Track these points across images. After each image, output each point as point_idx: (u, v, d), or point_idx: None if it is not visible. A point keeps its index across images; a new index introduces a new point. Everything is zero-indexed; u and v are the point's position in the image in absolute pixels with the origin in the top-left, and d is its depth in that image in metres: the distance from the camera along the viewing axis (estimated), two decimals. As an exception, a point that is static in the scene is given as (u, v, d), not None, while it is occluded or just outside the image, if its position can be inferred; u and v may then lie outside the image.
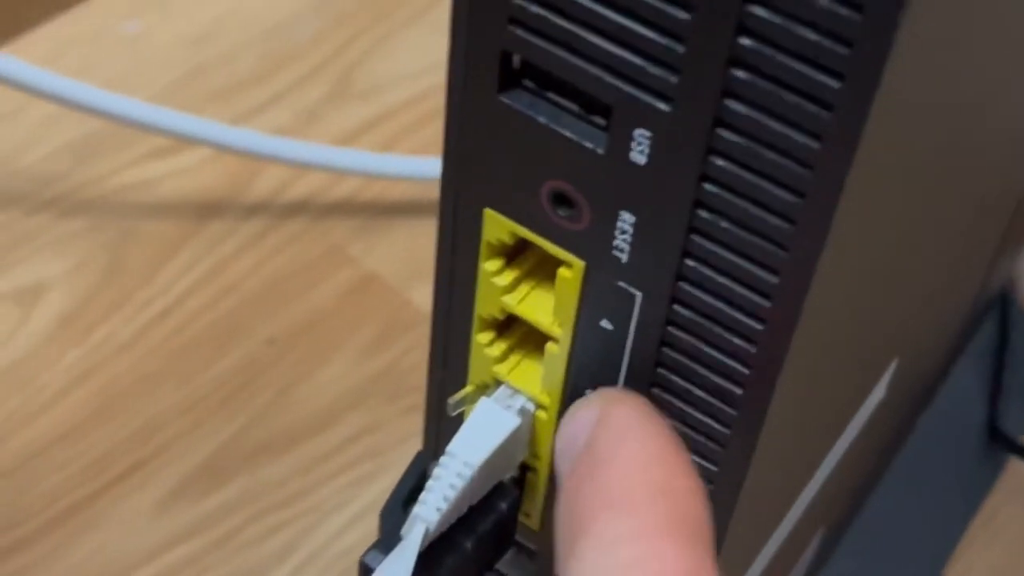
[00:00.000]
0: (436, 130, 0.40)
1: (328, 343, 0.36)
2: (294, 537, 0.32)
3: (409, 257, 0.37)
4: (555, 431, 0.20)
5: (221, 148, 0.36)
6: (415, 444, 0.36)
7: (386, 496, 0.33)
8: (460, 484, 0.19)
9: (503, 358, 0.20)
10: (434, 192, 0.41)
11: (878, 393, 0.24)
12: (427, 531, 0.19)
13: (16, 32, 0.40)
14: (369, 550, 0.20)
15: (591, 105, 0.16)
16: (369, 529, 0.32)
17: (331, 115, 0.40)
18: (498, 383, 0.20)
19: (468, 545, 0.20)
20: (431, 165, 0.37)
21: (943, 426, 0.32)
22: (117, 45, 0.41)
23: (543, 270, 0.19)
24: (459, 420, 0.20)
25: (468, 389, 0.20)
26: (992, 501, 0.33)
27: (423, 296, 0.37)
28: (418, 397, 0.35)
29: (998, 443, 0.33)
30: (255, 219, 0.37)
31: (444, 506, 0.19)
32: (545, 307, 0.19)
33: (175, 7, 0.42)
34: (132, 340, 0.35)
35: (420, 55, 0.42)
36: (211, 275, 0.36)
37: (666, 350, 0.18)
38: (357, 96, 0.40)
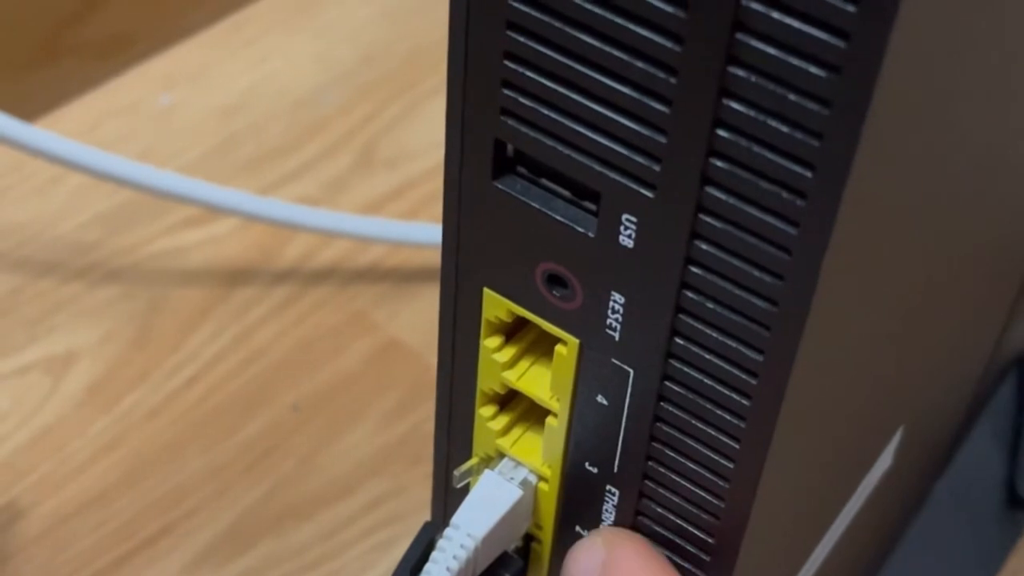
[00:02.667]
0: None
1: (351, 409, 0.36)
2: (316, 602, 0.32)
3: (432, 323, 0.38)
4: (557, 505, 0.20)
5: (250, 218, 0.37)
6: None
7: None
8: (464, 555, 0.20)
9: (505, 431, 0.20)
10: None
11: (884, 461, 0.25)
12: (432, 602, 0.19)
13: (55, 104, 0.42)
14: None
15: (581, 191, 0.17)
16: (389, 594, 0.32)
17: (357, 184, 0.41)
18: (501, 455, 0.20)
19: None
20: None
21: (960, 491, 0.32)
22: (151, 117, 0.42)
23: (542, 346, 0.19)
24: (465, 491, 0.21)
25: (473, 461, 0.21)
26: (1011, 566, 0.33)
27: (445, 362, 0.37)
28: (440, 462, 0.36)
29: (1017, 508, 0.33)
30: (282, 287, 0.38)
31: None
32: (544, 382, 0.19)
33: (207, 80, 0.43)
34: (159, 407, 0.36)
35: (443, 126, 0.43)
36: (238, 342, 0.37)
37: (659, 424, 0.18)
38: (382, 165, 0.41)
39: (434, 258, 0.39)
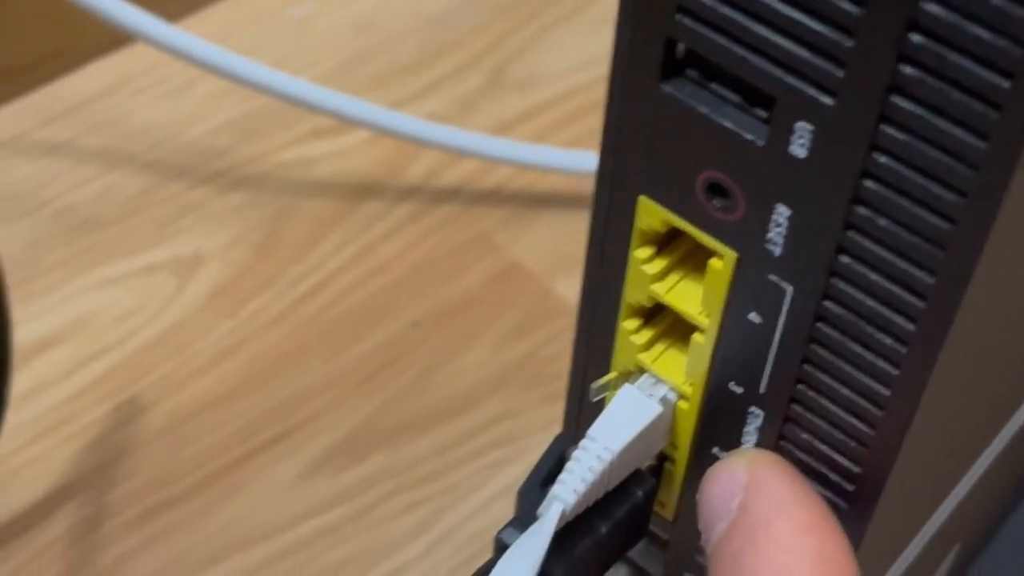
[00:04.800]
0: (588, 124, 0.41)
1: (470, 329, 0.36)
2: (429, 515, 0.32)
3: (554, 248, 0.38)
4: (696, 424, 0.20)
5: (380, 131, 0.37)
6: (551, 432, 0.36)
7: (520, 481, 0.34)
8: (599, 468, 0.19)
9: (648, 346, 0.20)
10: (583, 185, 0.41)
11: (1027, 410, 0.24)
12: (564, 512, 0.19)
13: (189, 10, 0.42)
14: (506, 527, 0.21)
15: (753, 96, 0.16)
16: (503, 512, 0.32)
17: (486, 105, 0.40)
18: (641, 371, 0.20)
19: (603, 529, 0.20)
20: (582, 158, 0.37)
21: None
22: (283, 28, 0.42)
23: (694, 260, 0.19)
24: (600, 406, 0.20)
25: (611, 375, 0.20)
26: None
27: (566, 287, 0.37)
28: (556, 386, 0.35)
29: None
30: (407, 203, 0.38)
31: (582, 488, 0.19)
32: (694, 297, 0.19)
33: (341, -6, 0.43)
34: (282, 315, 0.36)
35: (575, 51, 0.42)
36: (361, 256, 0.37)
37: (814, 346, 0.18)
38: (512, 88, 0.41)
39: (561, 183, 0.39)
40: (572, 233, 0.38)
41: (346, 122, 0.37)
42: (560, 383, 0.35)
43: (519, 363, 0.36)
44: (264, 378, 0.35)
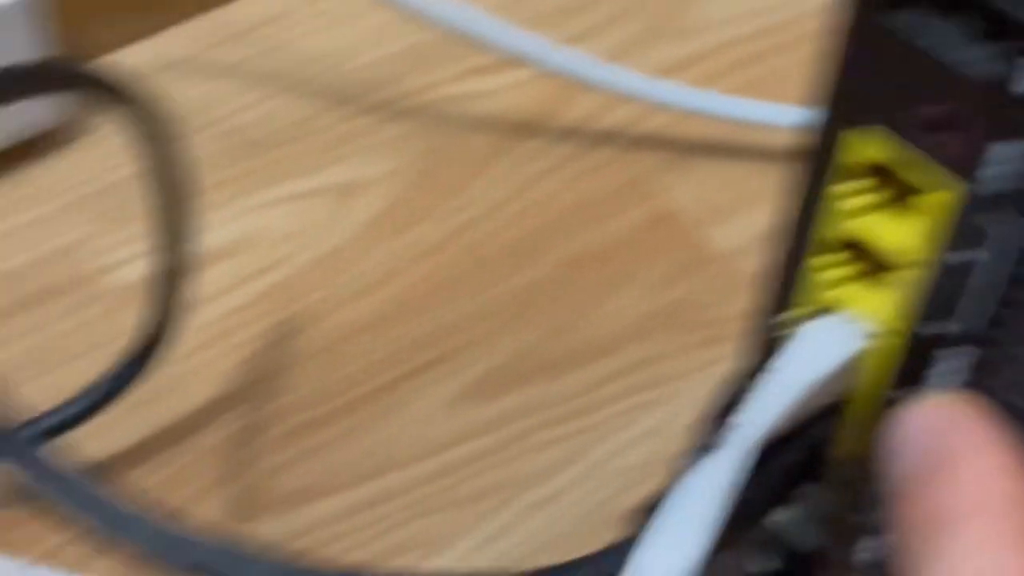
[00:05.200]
0: (753, 73, 0.40)
1: (620, 272, 0.36)
2: (574, 450, 0.33)
3: (711, 197, 0.38)
4: (887, 366, 0.20)
5: (544, 70, 0.37)
6: (697, 378, 0.36)
7: (667, 424, 0.34)
8: (781, 403, 0.19)
9: (841, 283, 0.20)
10: (743, 134, 0.41)
11: None
12: (744, 444, 0.19)
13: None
14: (682, 456, 0.21)
15: (985, 29, 0.16)
16: (649, 451, 0.32)
17: (649, 50, 0.40)
18: (832, 308, 0.20)
19: (779, 467, 0.20)
20: (746, 107, 0.37)
21: None
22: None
23: (899, 197, 0.18)
24: (782, 342, 0.20)
25: (800, 310, 0.20)
26: None
27: (720, 236, 0.37)
28: (705, 333, 0.35)
29: None
30: (565, 144, 0.38)
31: (762, 422, 0.19)
32: (895, 235, 0.18)
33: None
34: (438, 246, 0.36)
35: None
36: (517, 193, 0.37)
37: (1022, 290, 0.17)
38: (676, 33, 0.41)
39: (721, 131, 0.39)
40: (729, 182, 0.38)
41: (511, 59, 0.37)
42: (709, 331, 0.35)
43: (670, 309, 0.36)
44: (416, 307, 0.35)
